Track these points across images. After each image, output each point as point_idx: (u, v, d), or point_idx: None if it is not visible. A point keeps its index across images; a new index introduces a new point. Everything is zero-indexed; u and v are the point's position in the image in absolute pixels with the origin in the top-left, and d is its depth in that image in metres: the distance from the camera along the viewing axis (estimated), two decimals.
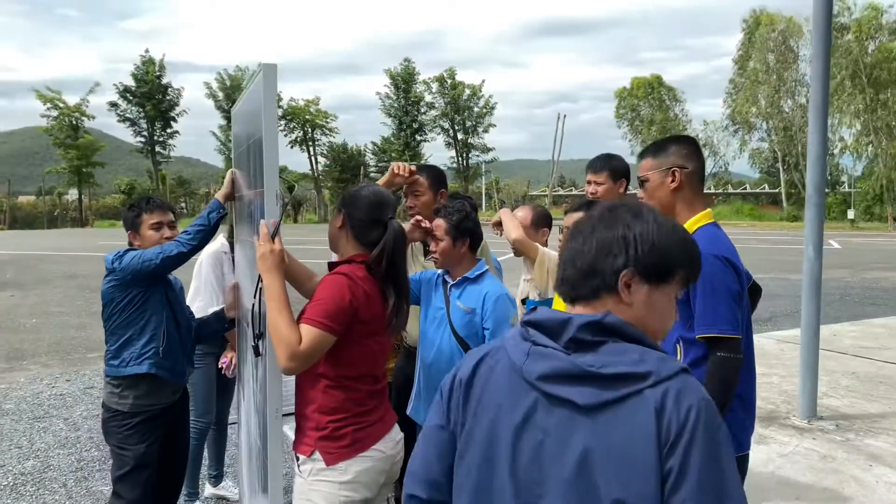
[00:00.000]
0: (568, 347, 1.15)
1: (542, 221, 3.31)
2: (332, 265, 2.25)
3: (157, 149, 56.35)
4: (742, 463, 2.25)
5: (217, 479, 4.08)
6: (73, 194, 57.13)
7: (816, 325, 5.37)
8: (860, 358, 7.12)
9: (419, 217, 2.92)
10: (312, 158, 60.70)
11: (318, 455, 2.09)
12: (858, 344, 7.78)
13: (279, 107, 57.80)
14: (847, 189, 48.99)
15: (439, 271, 2.89)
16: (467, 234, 2.78)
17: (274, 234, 2.11)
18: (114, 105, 54.06)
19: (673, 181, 2.30)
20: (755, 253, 20.44)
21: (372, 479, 2.14)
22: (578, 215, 2.70)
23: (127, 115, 54.69)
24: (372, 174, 59.18)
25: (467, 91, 57.44)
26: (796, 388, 5.49)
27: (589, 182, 3.39)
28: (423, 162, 56.81)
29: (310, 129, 59.13)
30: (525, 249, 3.08)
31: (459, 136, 58.38)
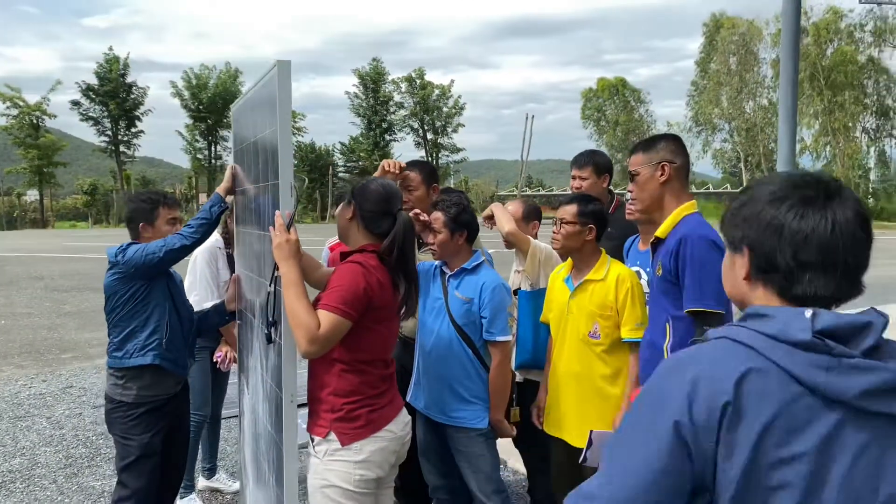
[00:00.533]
0: (868, 355, 1.02)
1: (532, 215, 3.43)
2: (343, 255, 2.35)
3: (122, 148, 55.32)
4: None
5: (211, 471, 4.13)
6: (31, 195, 55.79)
7: None
8: None
9: (418, 210, 3.02)
10: None
11: (333, 436, 2.18)
12: None
13: None
14: None
15: (437, 263, 2.99)
16: (464, 226, 2.89)
17: (289, 225, 2.19)
18: (76, 104, 52.89)
19: (662, 174, 2.45)
20: None
21: (384, 459, 2.24)
22: (572, 208, 2.83)
23: (90, 113, 53.59)
24: (340, 174, 58.98)
25: (436, 91, 57.57)
26: None
27: (574, 177, 3.55)
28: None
29: None
30: (517, 242, 3.20)
31: (429, 136, 58.49)
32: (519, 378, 3.22)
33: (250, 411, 2.88)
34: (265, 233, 2.41)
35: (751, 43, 44.75)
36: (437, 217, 2.89)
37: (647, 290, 2.80)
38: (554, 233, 2.88)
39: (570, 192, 3.54)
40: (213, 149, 56.91)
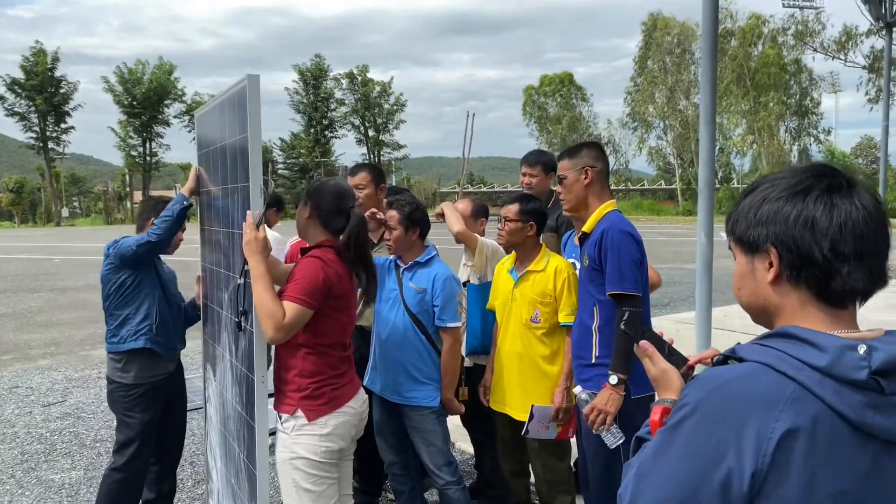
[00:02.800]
0: None
1: (480, 212, 3.72)
2: (304, 250, 2.59)
3: (51, 145, 53.28)
4: (649, 402, 2.74)
5: None
6: None
7: (709, 303, 6.05)
8: (749, 335, 7.94)
9: (374, 209, 3.28)
10: None
11: (300, 412, 2.43)
12: (746, 323, 8.64)
13: (182, 101, 56.22)
14: (737, 185, 52.48)
15: (391, 257, 3.25)
16: (418, 223, 3.16)
17: (259, 224, 2.41)
18: (0, 98, 50.72)
19: (586, 178, 2.79)
20: (654, 245, 21.74)
21: (346, 431, 2.50)
22: (514, 207, 3.13)
23: (16, 108, 51.39)
24: (280, 171, 58.29)
25: (378, 88, 57.51)
26: None
27: (524, 174, 3.85)
28: (334, 159, 56.54)
29: None
30: (466, 240, 3.48)
31: (370, 133, 58.37)
32: (468, 363, 3.50)
33: (217, 396, 3.08)
34: (234, 230, 2.63)
35: (685, 43, 46.32)
36: (393, 215, 3.15)
37: None
38: (499, 229, 3.18)
39: (516, 188, 3.89)
40: (147, 146, 55.44)
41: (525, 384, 3.10)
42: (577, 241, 3.40)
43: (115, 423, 3.32)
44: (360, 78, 57.48)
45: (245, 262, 2.43)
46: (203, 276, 3.28)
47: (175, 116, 56.24)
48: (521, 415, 3.08)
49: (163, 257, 3.40)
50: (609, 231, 2.63)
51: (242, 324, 2.53)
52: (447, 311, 3.11)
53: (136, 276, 3.16)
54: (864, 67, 41.41)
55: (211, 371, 3.21)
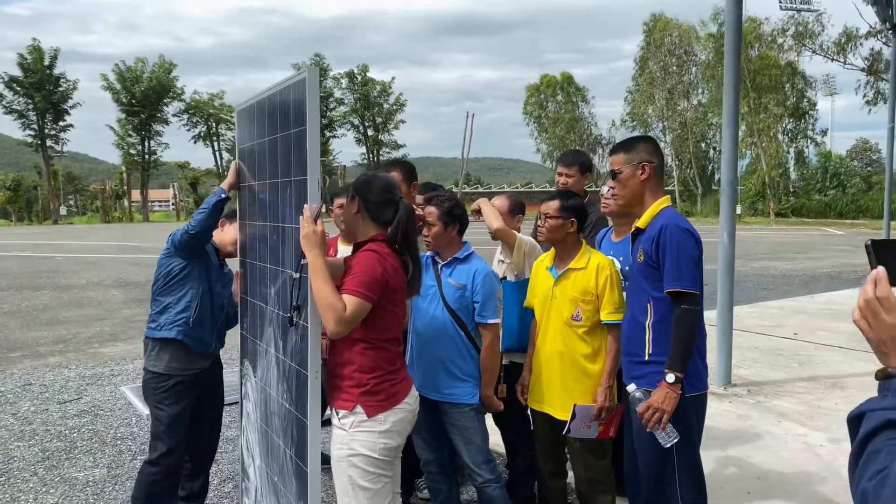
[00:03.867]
0: None
1: (517, 209, 3.70)
2: (357, 245, 2.57)
3: (49, 143, 53.07)
4: (702, 400, 2.74)
5: None
6: None
7: (730, 304, 6.07)
8: (761, 335, 7.98)
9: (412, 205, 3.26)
10: (217, 154, 58.97)
11: (359, 408, 2.41)
12: (758, 323, 8.68)
13: (181, 100, 56.12)
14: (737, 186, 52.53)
15: (429, 253, 3.23)
16: (457, 219, 3.14)
17: (316, 217, 2.39)
18: None
19: (643, 173, 2.76)
20: None
21: (403, 428, 2.49)
22: (555, 203, 3.11)
23: (13, 106, 51.18)
24: None
25: (377, 87, 57.47)
26: (711, 360, 6.16)
27: (560, 174, 3.90)
28: (331, 158, 56.42)
29: (214, 124, 57.40)
30: (505, 237, 3.47)
31: (369, 132, 58.30)
32: (504, 360, 3.49)
33: (258, 392, 3.05)
34: (286, 225, 2.61)
35: (686, 45, 46.41)
36: (431, 211, 3.13)
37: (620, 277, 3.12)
38: (539, 226, 3.17)
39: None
40: (146, 144, 55.25)
41: (566, 383, 3.08)
42: (614, 238, 3.41)
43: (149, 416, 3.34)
44: (360, 77, 57.42)
45: (302, 256, 2.41)
46: (241, 271, 3.26)
47: (174, 115, 56.12)
48: (562, 414, 3.07)
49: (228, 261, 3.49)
50: (668, 227, 2.61)
51: (294, 319, 2.50)
52: (487, 307, 3.10)
53: (184, 266, 3.20)
54: (862, 70, 41.57)
55: (250, 367, 3.18)
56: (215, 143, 58.28)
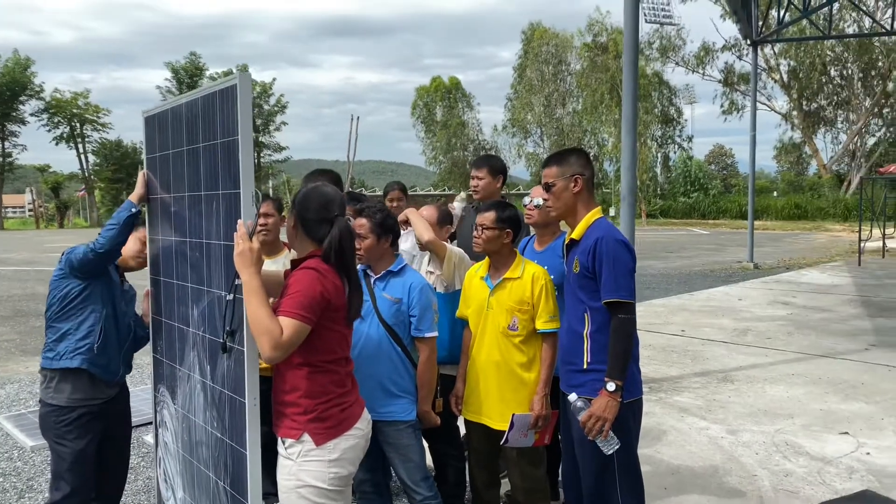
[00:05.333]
0: None
1: (446, 219, 3.65)
2: (294, 262, 2.42)
3: None
4: (638, 405, 2.80)
5: None
6: None
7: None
8: (653, 333, 8.38)
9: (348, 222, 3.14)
10: (82, 156, 55.05)
11: (307, 437, 2.26)
12: (647, 322, 9.12)
13: (40, 98, 51.86)
14: (608, 190, 55.27)
15: (361, 267, 3.12)
16: (389, 231, 3.05)
17: (252, 234, 2.23)
18: None
19: (575, 186, 2.79)
20: None
21: (356, 456, 2.36)
22: (491, 214, 3.09)
23: None
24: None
25: (258, 88, 55.74)
26: None
27: (472, 177, 3.96)
28: None
29: (78, 125, 53.52)
30: (436, 248, 3.41)
31: None
32: None
33: (178, 421, 2.82)
34: (210, 241, 2.42)
35: (562, 54, 48.23)
36: (363, 223, 3.02)
37: None
38: (475, 237, 3.13)
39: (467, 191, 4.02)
40: (1, 145, 50.69)
41: (503, 393, 3.07)
42: (537, 247, 3.44)
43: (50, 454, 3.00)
44: None
45: (236, 276, 2.24)
46: (152, 290, 3.01)
47: (32, 114, 51.77)
48: (499, 424, 3.05)
49: (128, 275, 3.17)
50: (604, 240, 2.65)
51: (228, 344, 2.32)
52: (424, 320, 3.03)
53: (83, 287, 2.91)
54: (719, 81, 45.00)
55: (167, 393, 2.93)
56: (80, 146, 54.40)
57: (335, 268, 2.35)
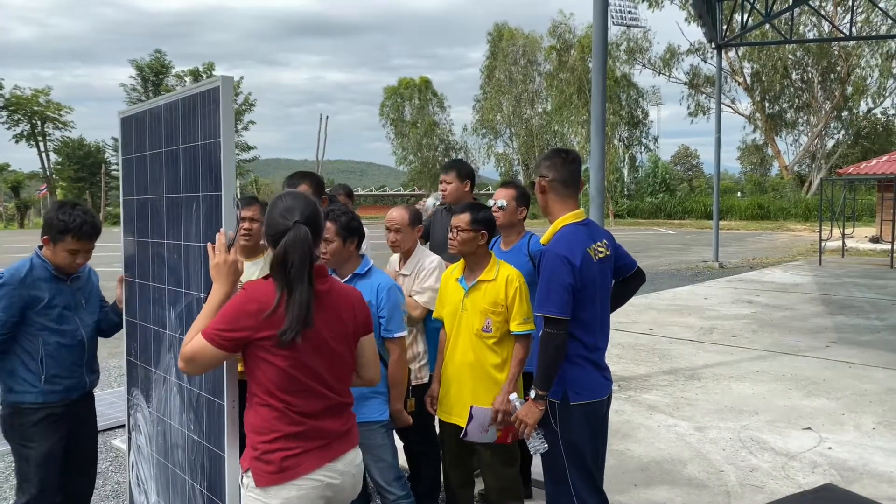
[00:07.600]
0: None
1: (416, 220, 3.67)
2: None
3: None
4: (592, 408, 2.83)
5: None
6: None
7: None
8: (621, 332, 8.51)
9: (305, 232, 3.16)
10: (43, 155, 53.85)
11: (250, 474, 2.11)
12: (616, 320, 9.16)
13: (0, 95, 50.56)
14: None
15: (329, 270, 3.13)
16: (355, 233, 3.07)
17: (230, 246, 2.20)
18: None
19: (539, 188, 2.86)
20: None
21: None
22: (466, 216, 3.13)
23: None
24: (114, 172, 54.17)
25: None
26: None
27: (441, 181, 4.05)
28: None
29: (39, 123, 52.32)
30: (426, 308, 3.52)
31: None
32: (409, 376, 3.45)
33: (153, 424, 2.81)
34: (193, 244, 2.42)
35: (530, 54, 48.52)
36: (328, 227, 3.01)
37: None
38: (451, 239, 3.17)
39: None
40: None
41: (477, 393, 3.11)
42: (503, 248, 3.53)
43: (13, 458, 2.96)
44: (206, 76, 54.75)
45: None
46: (124, 289, 2.99)
47: None
48: None
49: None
50: (546, 253, 2.71)
51: None
52: (393, 321, 3.06)
53: (14, 323, 2.79)
54: (685, 83, 45.75)
55: (141, 396, 2.92)
56: (41, 144, 53.20)
57: (281, 281, 2.04)
